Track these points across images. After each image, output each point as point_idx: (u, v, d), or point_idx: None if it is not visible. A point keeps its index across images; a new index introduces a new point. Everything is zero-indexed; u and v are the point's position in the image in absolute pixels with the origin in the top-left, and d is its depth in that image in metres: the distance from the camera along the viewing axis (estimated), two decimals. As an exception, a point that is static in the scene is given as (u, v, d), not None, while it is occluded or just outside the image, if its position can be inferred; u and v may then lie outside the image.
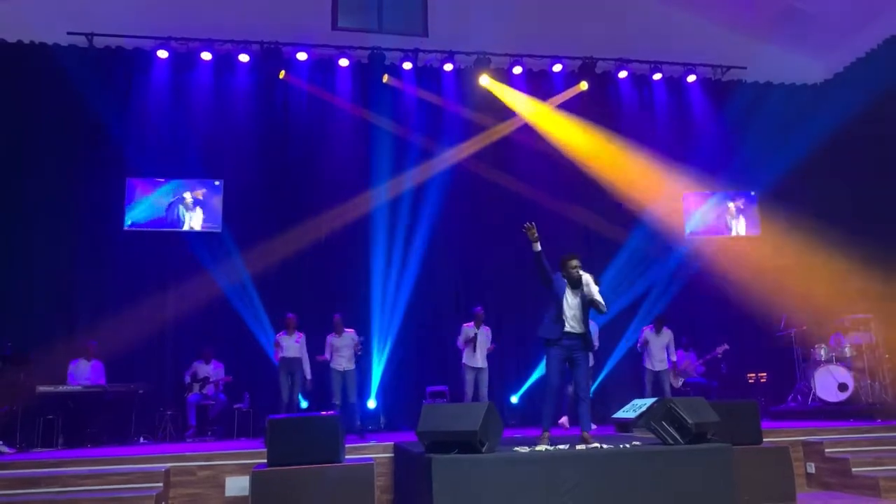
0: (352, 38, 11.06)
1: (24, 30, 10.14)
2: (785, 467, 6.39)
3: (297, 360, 8.70)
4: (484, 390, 8.98)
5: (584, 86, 11.16)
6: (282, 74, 10.65)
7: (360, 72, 11.13)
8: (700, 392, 9.48)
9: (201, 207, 10.35)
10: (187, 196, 10.28)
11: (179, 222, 10.30)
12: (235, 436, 9.23)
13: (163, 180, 10.31)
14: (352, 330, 8.95)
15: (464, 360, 9.09)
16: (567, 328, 6.04)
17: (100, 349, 9.27)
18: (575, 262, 6.10)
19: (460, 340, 9.14)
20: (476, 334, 9.01)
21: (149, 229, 10.20)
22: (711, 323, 11.16)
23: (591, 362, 8.68)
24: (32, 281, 9.58)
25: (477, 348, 9.01)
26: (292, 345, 8.69)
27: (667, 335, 9.64)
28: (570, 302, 6.09)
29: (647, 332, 9.70)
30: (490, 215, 11.06)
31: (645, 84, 11.95)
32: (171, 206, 10.27)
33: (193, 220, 10.31)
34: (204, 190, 10.29)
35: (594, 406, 9.87)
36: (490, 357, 9.21)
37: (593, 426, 8.80)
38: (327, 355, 8.75)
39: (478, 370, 9.04)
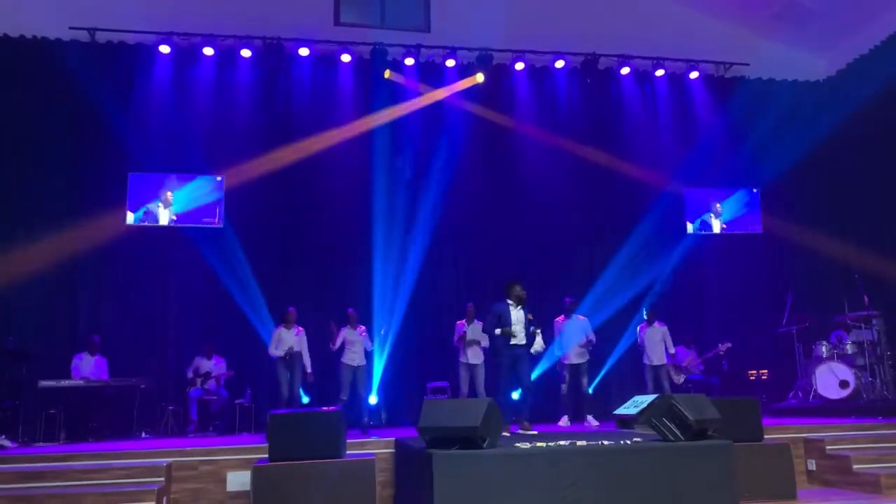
0: (354, 34, 11.04)
1: (26, 25, 10.13)
2: (786, 464, 6.38)
3: (297, 354, 8.65)
4: (480, 388, 9.00)
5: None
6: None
7: (361, 67, 11.12)
8: (701, 389, 9.50)
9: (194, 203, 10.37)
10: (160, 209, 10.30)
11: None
12: (237, 431, 9.27)
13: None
14: (363, 328, 8.97)
15: (460, 358, 9.17)
16: (513, 342, 7.53)
17: (102, 344, 9.30)
18: (519, 287, 7.76)
19: (456, 338, 9.20)
20: (465, 331, 9.07)
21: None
22: (713, 320, 11.17)
23: (587, 358, 9.19)
24: (34, 275, 9.57)
25: (469, 344, 9.04)
26: (291, 338, 8.64)
27: (660, 329, 9.64)
28: (515, 319, 7.59)
29: (641, 328, 9.73)
30: (491, 211, 11.06)
31: (647, 80, 11.91)
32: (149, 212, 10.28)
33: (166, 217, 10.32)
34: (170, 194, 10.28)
35: (595, 402, 9.98)
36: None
37: (595, 422, 8.90)
38: (338, 343, 8.68)
39: (472, 367, 9.07)
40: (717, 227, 11.70)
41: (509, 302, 7.69)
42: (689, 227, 11.62)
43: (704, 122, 11.92)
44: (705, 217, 11.69)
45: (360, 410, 8.65)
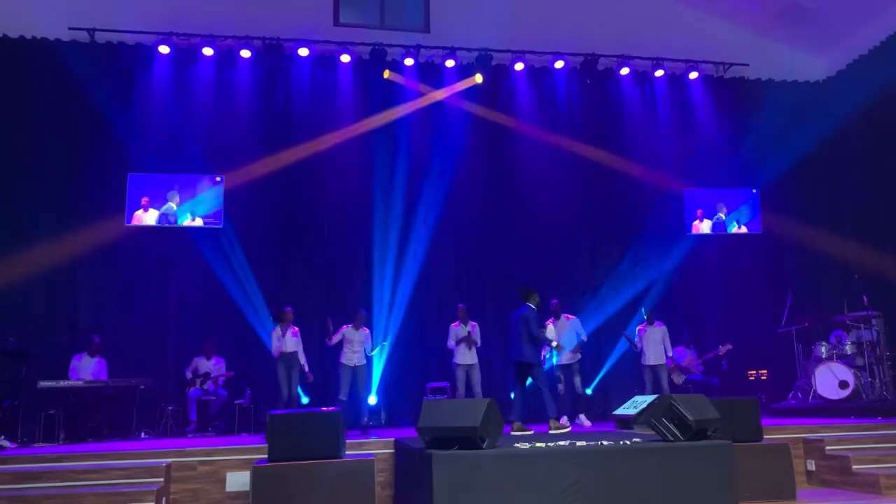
0: (353, 34, 11.05)
1: (26, 25, 10.13)
2: (785, 464, 6.39)
3: (295, 354, 8.61)
4: (477, 388, 9.01)
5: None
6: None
7: (361, 68, 11.13)
8: (701, 389, 9.50)
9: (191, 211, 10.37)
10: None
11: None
12: (236, 431, 9.26)
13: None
14: (367, 330, 8.95)
15: (455, 360, 9.16)
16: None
17: (102, 344, 9.29)
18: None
19: (451, 341, 9.19)
20: (468, 332, 9.06)
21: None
22: (712, 320, 11.16)
23: (578, 357, 9.32)
24: (35, 276, 9.57)
25: (469, 345, 9.05)
26: (289, 338, 8.60)
27: (659, 330, 9.64)
28: None
29: (640, 328, 9.74)
30: (491, 211, 11.06)
31: (647, 81, 11.91)
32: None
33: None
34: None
35: (594, 402, 9.97)
36: (489, 353, 9.24)
37: (588, 422, 8.93)
38: (335, 339, 8.65)
39: (468, 367, 9.07)
40: (734, 228, 11.68)
41: (532, 307, 7.96)
42: (707, 227, 11.60)
43: (704, 123, 11.91)
44: (716, 219, 11.68)
45: (359, 411, 8.64)
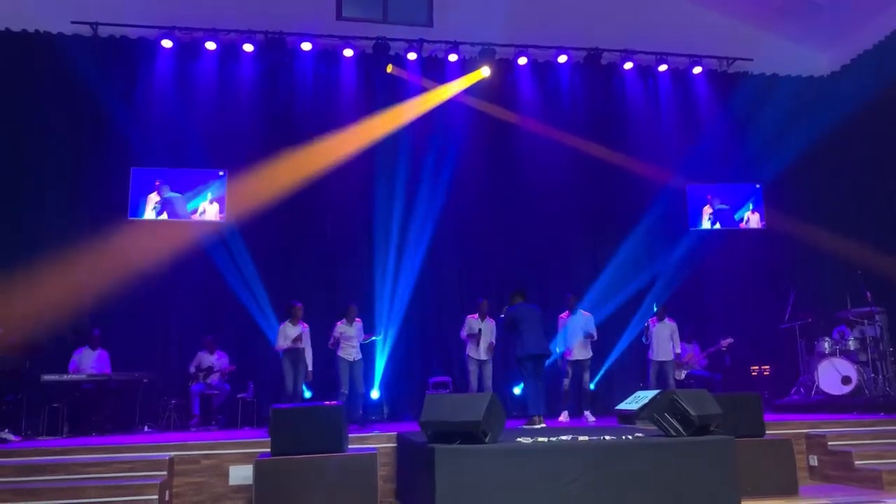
0: (356, 28, 11.04)
1: (29, 19, 10.14)
2: (787, 460, 6.39)
3: (302, 351, 8.60)
4: (488, 382, 9.01)
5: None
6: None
7: (364, 62, 11.11)
8: (703, 384, 9.49)
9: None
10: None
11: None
12: (239, 425, 9.29)
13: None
14: (360, 320, 8.93)
15: (468, 353, 9.11)
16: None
17: (104, 338, 9.32)
18: None
19: (464, 332, 9.15)
20: (480, 328, 9.02)
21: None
22: (715, 315, 11.15)
23: (590, 354, 9.22)
24: (37, 270, 9.58)
25: (480, 341, 9.02)
26: (296, 333, 8.57)
27: (669, 325, 9.61)
28: None
29: (651, 322, 9.72)
30: (495, 206, 11.05)
31: (650, 76, 11.88)
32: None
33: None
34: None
35: (597, 397, 9.97)
36: (495, 349, 9.22)
37: (592, 418, 8.92)
38: (331, 343, 8.65)
39: (481, 362, 9.06)
40: (737, 223, 11.68)
41: None
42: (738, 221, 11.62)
43: (707, 118, 11.89)
44: (727, 211, 11.67)
45: (355, 405, 8.61)
